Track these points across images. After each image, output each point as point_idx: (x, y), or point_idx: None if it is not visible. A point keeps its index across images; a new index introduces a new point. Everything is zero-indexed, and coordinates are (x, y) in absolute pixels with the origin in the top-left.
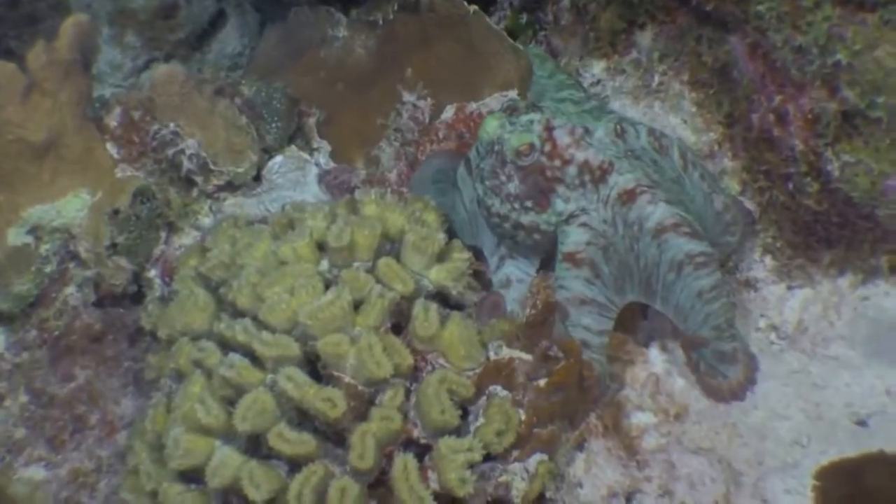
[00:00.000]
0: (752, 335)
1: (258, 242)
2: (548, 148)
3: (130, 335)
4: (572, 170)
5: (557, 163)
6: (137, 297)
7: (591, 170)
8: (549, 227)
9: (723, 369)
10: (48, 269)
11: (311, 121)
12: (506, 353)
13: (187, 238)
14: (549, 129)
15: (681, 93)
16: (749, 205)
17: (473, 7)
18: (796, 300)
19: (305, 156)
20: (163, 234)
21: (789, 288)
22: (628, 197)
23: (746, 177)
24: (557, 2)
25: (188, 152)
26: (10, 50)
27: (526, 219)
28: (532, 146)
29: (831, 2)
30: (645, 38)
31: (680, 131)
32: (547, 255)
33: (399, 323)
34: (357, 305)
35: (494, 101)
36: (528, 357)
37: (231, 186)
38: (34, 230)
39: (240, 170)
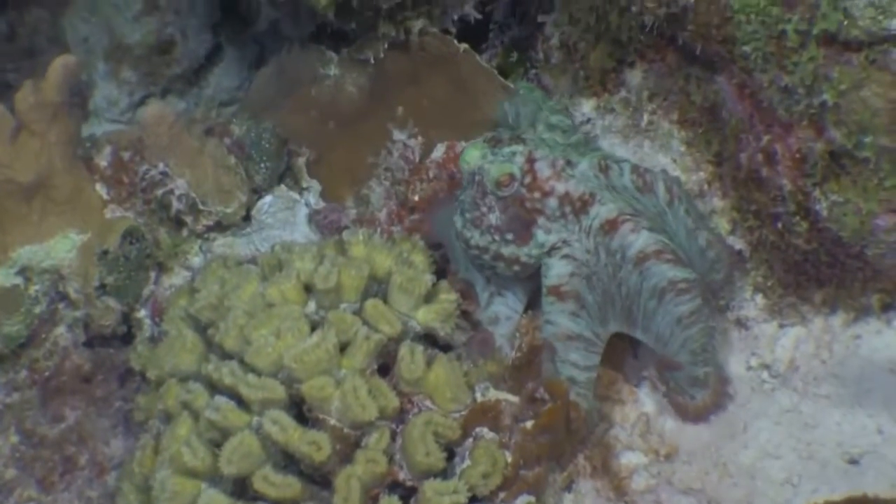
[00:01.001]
0: (743, 374)
1: (246, 284)
2: (528, 180)
3: (120, 375)
4: (553, 202)
5: (538, 195)
6: (128, 338)
7: (571, 201)
8: (530, 259)
9: (692, 391)
10: (38, 309)
11: (301, 160)
12: (493, 394)
13: (177, 278)
14: (532, 160)
15: (670, 132)
16: (739, 244)
17: (464, 45)
18: (788, 338)
19: (295, 195)
20: (152, 275)
21: (781, 326)
22: (610, 226)
23: (736, 216)
24: (548, 40)
25: (177, 192)
26: (8, 83)
27: (507, 250)
28: (512, 177)
29: (816, 42)
30: (635, 76)
31: (669, 170)
32: (534, 293)
33: (387, 364)
34: (343, 347)
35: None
36: (514, 399)
37: (221, 226)
38: (23, 271)
39: (229, 210)
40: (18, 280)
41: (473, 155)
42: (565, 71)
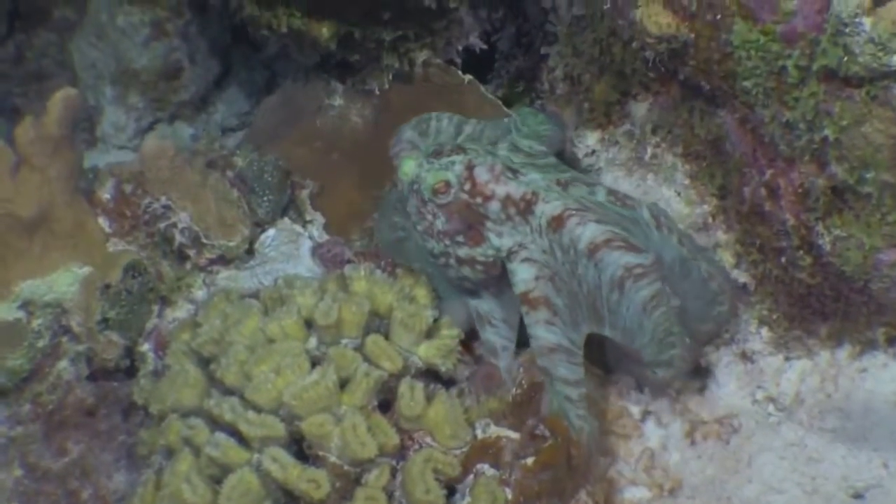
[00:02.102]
0: (748, 407)
1: (247, 319)
2: (468, 186)
3: (124, 409)
4: (495, 205)
5: (479, 199)
6: (131, 371)
7: (514, 202)
8: (488, 258)
9: (655, 370)
10: (41, 343)
11: (305, 192)
12: (493, 431)
13: (181, 311)
14: (470, 167)
15: (674, 165)
16: (744, 277)
17: (468, 76)
18: (794, 372)
19: (299, 228)
20: (155, 308)
21: (787, 359)
22: (557, 223)
23: (740, 249)
24: (552, 71)
25: (180, 226)
26: (16, 107)
27: (462, 252)
28: (448, 184)
29: (817, 78)
30: (639, 109)
31: (674, 204)
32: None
33: (388, 400)
34: (344, 384)
35: None
36: (515, 435)
37: (224, 260)
38: (26, 305)
39: (231, 244)
40: (21, 314)
41: (410, 165)
42: (570, 102)
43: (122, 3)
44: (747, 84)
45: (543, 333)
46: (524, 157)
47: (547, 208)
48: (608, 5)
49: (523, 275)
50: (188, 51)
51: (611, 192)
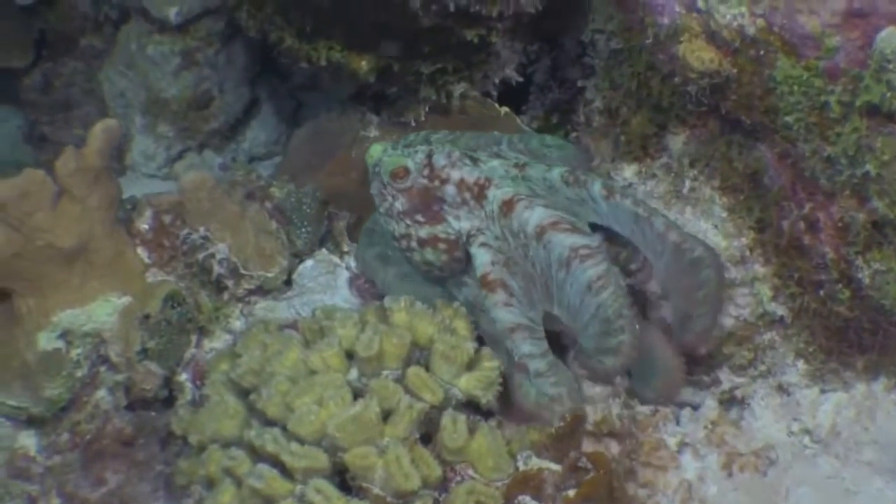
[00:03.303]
0: (785, 439)
1: (288, 350)
2: (426, 171)
3: (162, 439)
4: (450, 188)
5: (437, 183)
6: (169, 401)
7: (468, 187)
8: (450, 235)
9: (601, 359)
10: (79, 373)
11: (342, 223)
12: (535, 463)
13: (218, 341)
14: (430, 155)
15: (712, 198)
16: (781, 310)
17: (504, 108)
18: (830, 404)
19: (336, 259)
20: (193, 338)
21: (823, 392)
22: (507, 208)
23: (778, 283)
24: (589, 103)
25: (218, 257)
26: (44, 136)
27: (423, 231)
28: (406, 169)
29: (860, 113)
30: (676, 142)
31: (711, 236)
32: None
33: (428, 432)
34: (386, 415)
35: None
36: (557, 467)
37: (262, 290)
38: (65, 335)
39: (270, 275)
40: (60, 344)
41: (376, 150)
42: (606, 135)
43: (152, 32)
44: (789, 119)
45: (503, 315)
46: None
47: (499, 193)
48: (650, 40)
49: (481, 258)
50: (218, 80)
51: (567, 171)
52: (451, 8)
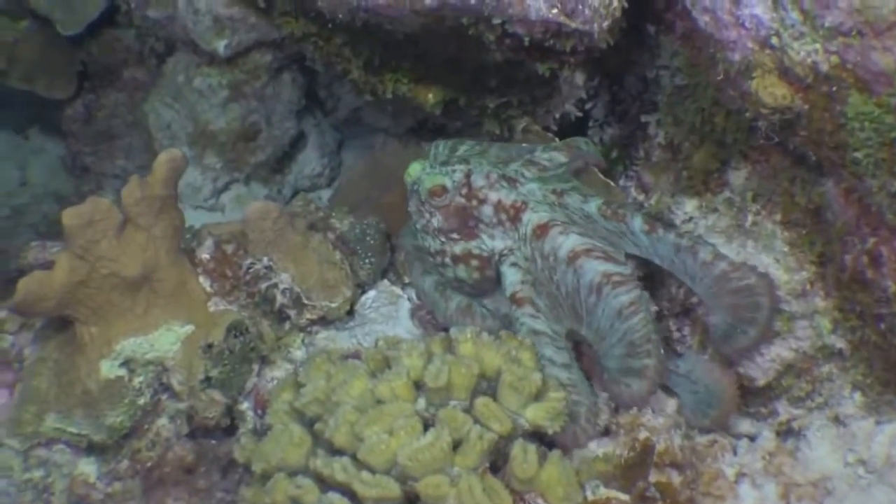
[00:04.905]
0: (841, 470)
1: (354, 380)
2: (465, 191)
3: (223, 467)
4: (487, 209)
5: (474, 202)
6: (230, 429)
7: (505, 209)
8: (483, 251)
9: (627, 381)
10: (141, 401)
11: (403, 255)
12: (603, 492)
13: (280, 371)
14: (468, 174)
15: (773, 232)
16: (840, 343)
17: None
18: (885, 435)
19: (398, 290)
20: (255, 367)
21: (878, 423)
22: (541, 231)
23: (838, 316)
24: (650, 139)
25: (281, 287)
26: (86, 166)
27: (458, 248)
28: (444, 188)
29: None
30: (738, 177)
31: (772, 270)
32: None
33: (495, 462)
34: (455, 445)
35: None
36: (625, 497)
37: (324, 320)
38: (127, 363)
39: (333, 305)
40: (122, 372)
41: (415, 168)
42: (667, 169)
43: (200, 64)
44: (858, 154)
45: (529, 321)
46: (537, 170)
47: (534, 217)
48: (720, 76)
49: (511, 277)
50: (265, 113)
51: (605, 202)
52: (526, 42)
